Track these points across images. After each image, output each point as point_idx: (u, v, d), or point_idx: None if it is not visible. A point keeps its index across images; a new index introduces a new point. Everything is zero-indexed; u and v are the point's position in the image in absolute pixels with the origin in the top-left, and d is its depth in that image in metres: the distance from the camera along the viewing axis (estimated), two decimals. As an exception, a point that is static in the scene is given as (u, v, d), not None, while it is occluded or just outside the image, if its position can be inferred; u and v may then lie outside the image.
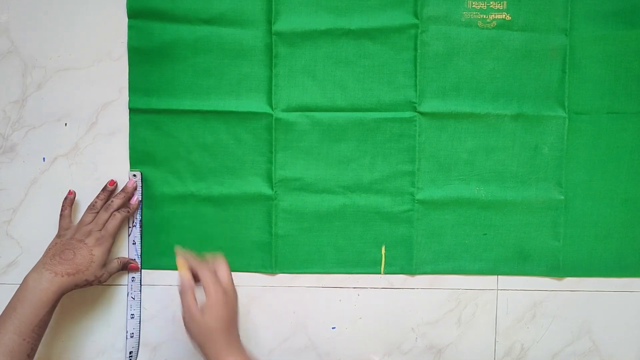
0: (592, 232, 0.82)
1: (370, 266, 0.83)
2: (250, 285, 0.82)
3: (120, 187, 0.81)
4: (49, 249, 0.76)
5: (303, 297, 0.83)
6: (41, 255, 0.75)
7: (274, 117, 0.81)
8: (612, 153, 0.81)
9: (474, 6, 0.80)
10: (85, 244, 0.75)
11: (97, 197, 0.80)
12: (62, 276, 0.72)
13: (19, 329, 0.68)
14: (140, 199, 0.81)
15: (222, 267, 0.71)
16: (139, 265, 0.82)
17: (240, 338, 0.70)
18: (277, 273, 0.83)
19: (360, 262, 0.83)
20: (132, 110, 0.81)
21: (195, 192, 0.82)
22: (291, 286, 0.83)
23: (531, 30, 0.80)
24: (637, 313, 0.83)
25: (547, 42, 0.80)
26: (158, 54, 0.80)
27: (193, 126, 0.81)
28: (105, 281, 0.77)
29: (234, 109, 0.81)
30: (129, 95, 0.81)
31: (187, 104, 0.81)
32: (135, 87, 0.81)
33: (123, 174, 0.82)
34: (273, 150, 0.81)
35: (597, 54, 0.80)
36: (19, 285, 0.72)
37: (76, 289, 0.74)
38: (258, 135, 0.81)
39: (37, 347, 0.71)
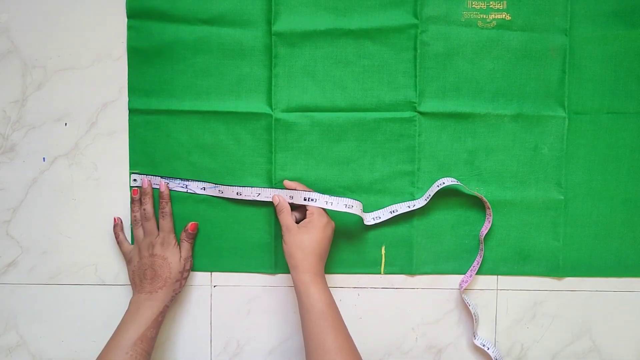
0: (592, 232, 0.82)
1: (370, 266, 0.83)
2: (250, 285, 0.82)
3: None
4: (131, 278, 0.80)
5: (303, 297, 0.83)
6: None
7: (273, 118, 0.81)
8: (612, 153, 0.81)
9: (474, 6, 0.80)
10: (155, 255, 0.78)
11: (133, 210, 0.81)
12: (157, 292, 0.77)
13: (121, 343, 0.73)
14: (168, 185, 0.81)
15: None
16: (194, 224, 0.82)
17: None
18: (277, 273, 0.83)
19: (360, 262, 0.83)
20: (132, 111, 0.81)
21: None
22: (291, 286, 0.83)
23: (531, 30, 0.80)
24: (637, 313, 0.83)
25: (547, 42, 0.80)
26: (157, 54, 0.80)
27: (193, 127, 0.81)
28: (190, 269, 0.81)
29: (233, 110, 0.81)
30: (129, 96, 0.81)
31: (186, 104, 0.81)
32: (134, 88, 0.81)
33: (123, 174, 0.82)
34: (273, 151, 0.81)
35: (597, 54, 0.80)
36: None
37: (175, 296, 0.80)
38: (258, 136, 0.81)
39: None
